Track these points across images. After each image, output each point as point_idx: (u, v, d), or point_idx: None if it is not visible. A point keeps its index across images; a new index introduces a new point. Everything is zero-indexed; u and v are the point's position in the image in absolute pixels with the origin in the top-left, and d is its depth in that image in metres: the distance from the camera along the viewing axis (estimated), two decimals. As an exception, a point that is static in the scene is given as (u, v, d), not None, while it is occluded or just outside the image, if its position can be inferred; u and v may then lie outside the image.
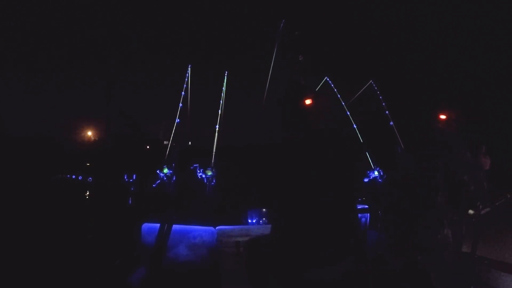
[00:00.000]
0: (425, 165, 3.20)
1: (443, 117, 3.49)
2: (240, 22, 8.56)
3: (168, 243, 4.68)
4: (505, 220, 4.30)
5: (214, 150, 7.24)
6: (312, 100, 3.02)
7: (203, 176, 6.90)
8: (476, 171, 3.16)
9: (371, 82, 8.40)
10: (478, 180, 3.10)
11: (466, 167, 3.11)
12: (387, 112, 8.15)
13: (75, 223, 6.23)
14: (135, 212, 6.89)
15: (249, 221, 5.79)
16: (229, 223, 4.97)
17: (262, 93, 8.09)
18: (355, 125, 7.82)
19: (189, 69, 7.74)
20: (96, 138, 9.71)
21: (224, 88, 7.91)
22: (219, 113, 7.63)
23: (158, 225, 4.76)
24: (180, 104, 7.58)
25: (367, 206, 5.41)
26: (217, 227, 4.89)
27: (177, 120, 7.50)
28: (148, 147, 9.19)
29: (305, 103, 3.05)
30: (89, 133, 9.67)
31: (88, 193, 7.88)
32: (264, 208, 5.80)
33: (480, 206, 3.60)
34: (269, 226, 4.44)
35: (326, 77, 7.75)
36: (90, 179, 8.11)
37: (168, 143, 7.49)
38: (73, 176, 8.12)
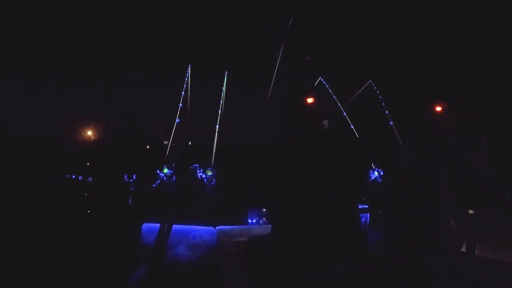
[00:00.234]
0: (426, 164, 3.21)
1: (438, 109, 3.49)
2: (240, 22, 8.55)
3: (168, 243, 4.68)
4: (506, 220, 4.30)
5: (214, 150, 7.24)
6: (314, 99, 3.03)
7: (203, 176, 6.90)
8: (478, 167, 3.16)
9: (370, 82, 8.40)
10: (480, 176, 3.10)
11: (468, 164, 3.11)
12: (387, 112, 8.16)
13: (75, 223, 6.22)
14: (135, 212, 6.88)
15: (249, 221, 5.79)
16: (229, 223, 4.96)
17: (263, 93, 8.09)
18: (352, 126, 7.84)
19: (189, 69, 7.75)
20: (96, 138, 9.71)
21: (224, 88, 7.91)
22: (219, 113, 7.64)
23: (158, 225, 4.76)
24: (180, 104, 7.59)
25: (367, 206, 5.41)
26: (217, 227, 4.88)
27: (177, 120, 7.51)
28: (148, 147, 9.18)
29: (306, 102, 3.06)
30: (89, 133, 9.67)
31: (88, 193, 7.88)
32: (264, 208, 5.80)
33: (481, 206, 3.60)
34: (269, 226, 4.44)
35: (320, 78, 7.76)
36: (90, 179, 8.10)
37: (168, 143, 7.50)
38: (73, 176, 8.12)
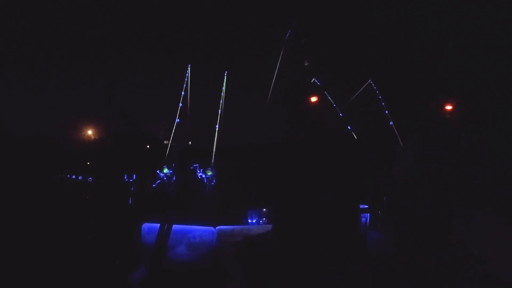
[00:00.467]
0: (426, 164, 3.21)
1: (449, 107, 3.50)
2: (240, 22, 8.55)
3: (168, 243, 4.68)
4: (506, 220, 4.30)
5: (214, 150, 7.25)
6: (318, 98, 3.04)
7: (203, 176, 6.91)
8: (484, 166, 3.16)
9: (370, 82, 8.40)
10: (480, 176, 3.10)
11: (474, 163, 3.11)
12: (387, 112, 8.16)
13: (75, 223, 6.22)
14: (135, 212, 6.88)
15: (249, 221, 5.79)
16: (229, 223, 4.97)
17: (263, 93, 8.09)
18: (349, 127, 7.85)
19: (189, 69, 7.75)
20: (96, 138, 9.70)
21: (224, 88, 7.92)
22: (219, 113, 7.64)
23: (158, 225, 4.76)
24: (180, 104, 7.59)
25: (367, 206, 5.42)
26: (217, 227, 4.89)
27: (177, 120, 7.51)
28: (148, 147, 9.18)
29: (310, 101, 3.07)
30: (89, 133, 9.67)
31: (88, 193, 7.88)
32: (264, 208, 5.80)
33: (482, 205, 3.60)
34: (269, 226, 4.45)
35: (313, 78, 7.76)
36: (90, 179, 8.10)
37: (168, 143, 7.50)
38: (73, 176, 8.12)
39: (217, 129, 7.45)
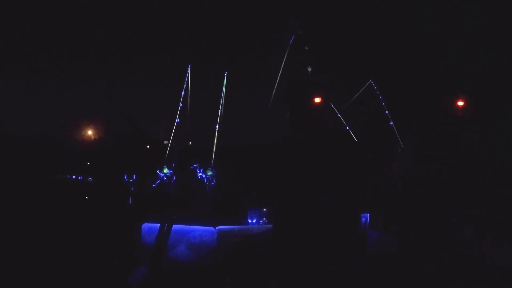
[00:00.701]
0: (426, 164, 3.21)
1: (460, 103, 3.49)
2: (240, 22, 8.55)
3: (168, 243, 4.68)
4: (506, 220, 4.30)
5: (214, 150, 7.25)
6: (322, 98, 3.05)
7: (203, 176, 6.91)
8: (484, 166, 3.16)
9: (370, 82, 8.40)
10: (480, 176, 3.10)
11: (474, 163, 3.11)
12: (387, 112, 8.16)
13: (75, 223, 6.22)
14: (135, 212, 6.88)
15: (249, 221, 5.79)
16: (229, 223, 4.97)
17: (263, 93, 8.10)
18: (348, 127, 7.85)
19: (189, 69, 7.75)
20: (96, 138, 9.70)
21: (224, 88, 7.92)
22: (219, 113, 7.64)
23: (158, 225, 4.76)
24: (180, 104, 7.59)
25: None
26: (217, 227, 4.89)
27: (177, 120, 7.51)
28: (148, 147, 9.18)
29: (314, 101, 3.08)
30: (89, 133, 9.66)
31: (88, 193, 7.88)
32: (264, 208, 5.81)
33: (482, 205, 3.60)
34: (269, 226, 4.45)
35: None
36: (90, 179, 8.10)
37: (168, 143, 7.50)
38: (73, 176, 8.12)
39: (217, 129, 7.45)
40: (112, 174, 8.04)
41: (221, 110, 7.68)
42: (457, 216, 3.18)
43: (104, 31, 8.76)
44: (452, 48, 7.89)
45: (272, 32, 8.32)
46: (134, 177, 7.85)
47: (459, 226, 3.20)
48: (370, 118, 8.34)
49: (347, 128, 7.83)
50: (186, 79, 7.69)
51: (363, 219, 5.32)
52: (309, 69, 6.11)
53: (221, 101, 7.80)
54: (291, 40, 7.34)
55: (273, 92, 7.50)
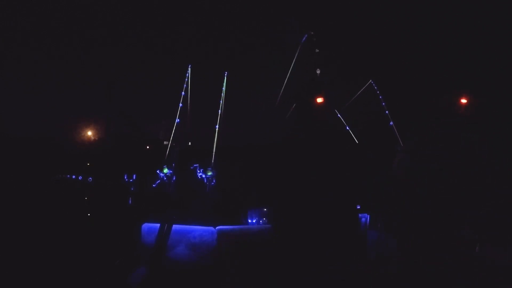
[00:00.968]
0: (426, 164, 3.21)
1: (464, 101, 3.50)
2: (240, 22, 8.55)
3: (168, 243, 4.68)
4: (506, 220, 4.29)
5: (214, 150, 7.25)
6: (324, 98, 3.06)
7: (203, 176, 6.91)
8: (484, 166, 3.16)
9: (371, 82, 8.39)
10: (480, 176, 3.10)
11: (474, 163, 3.11)
12: (387, 112, 8.15)
13: (75, 223, 6.22)
14: (135, 212, 6.88)
15: (249, 221, 5.79)
16: (229, 223, 4.97)
17: (263, 93, 8.10)
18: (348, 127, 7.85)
19: (189, 69, 7.75)
20: (96, 138, 9.69)
21: (224, 88, 7.92)
22: (219, 113, 7.65)
23: (158, 225, 4.76)
24: (180, 104, 7.59)
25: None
26: (217, 227, 4.89)
27: (177, 120, 7.51)
28: (148, 147, 9.18)
29: (316, 101, 3.09)
30: (89, 133, 9.66)
31: (88, 193, 7.88)
32: (264, 208, 5.80)
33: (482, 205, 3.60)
34: (269, 226, 4.45)
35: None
36: (90, 179, 8.10)
37: (168, 143, 7.50)
38: (73, 176, 8.12)
39: (217, 129, 7.45)
40: (112, 174, 8.04)
41: (221, 110, 7.69)
42: (457, 216, 3.18)
43: (104, 31, 8.76)
44: (452, 48, 7.89)
45: (272, 32, 8.32)
46: (134, 177, 7.85)
47: (459, 226, 3.20)
48: (370, 118, 8.34)
49: (347, 128, 7.83)
50: (186, 79, 7.69)
51: (363, 219, 5.33)
52: (318, 71, 6.13)
53: (221, 101, 7.81)
54: (303, 40, 7.35)
55: (281, 92, 7.51)
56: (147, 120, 9.42)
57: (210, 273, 4.57)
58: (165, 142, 7.88)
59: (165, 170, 6.84)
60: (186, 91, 7.65)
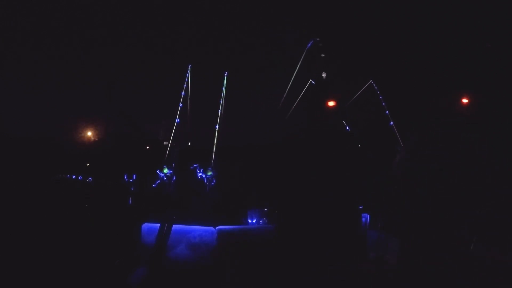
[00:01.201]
0: (426, 164, 3.21)
1: (465, 101, 3.51)
2: (240, 22, 8.56)
3: (168, 243, 4.68)
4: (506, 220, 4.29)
5: (214, 150, 7.25)
6: (335, 102, 3.08)
7: (203, 176, 6.91)
8: (484, 166, 3.16)
9: (371, 82, 8.39)
10: (480, 176, 3.10)
11: (474, 163, 3.11)
12: (387, 112, 8.16)
13: (75, 223, 6.22)
14: (135, 212, 6.88)
15: (249, 221, 5.79)
16: (229, 223, 4.97)
17: (263, 93, 8.10)
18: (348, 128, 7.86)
19: (189, 69, 7.76)
20: (96, 138, 9.70)
21: (224, 88, 7.93)
22: (219, 113, 7.65)
23: (158, 225, 4.76)
24: (180, 104, 7.59)
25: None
26: (217, 227, 4.89)
27: (177, 120, 7.52)
28: (148, 147, 9.18)
29: (328, 104, 3.10)
30: (89, 133, 9.67)
31: (88, 193, 7.89)
32: (264, 208, 5.80)
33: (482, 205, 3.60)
34: (269, 226, 4.45)
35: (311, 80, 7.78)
36: (90, 179, 8.10)
37: (168, 143, 7.50)
38: (73, 176, 8.12)
39: (217, 129, 7.46)
40: (112, 174, 8.04)
41: (221, 110, 7.69)
42: (457, 216, 3.18)
43: (104, 31, 8.76)
44: (452, 48, 7.90)
45: (272, 32, 8.32)
46: (134, 177, 7.85)
47: (459, 226, 3.20)
48: (370, 118, 8.34)
49: (347, 128, 7.84)
50: (186, 79, 7.70)
51: (363, 219, 5.33)
52: (324, 75, 6.16)
53: (221, 101, 7.81)
54: (309, 45, 7.38)
55: (285, 94, 7.52)
56: (147, 120, 9.43)
57: (210, 273, 4.57)
58: (165, 142, 7.89)
59: (165, 170, 6.84)
60: (186, 91, 7.66)
